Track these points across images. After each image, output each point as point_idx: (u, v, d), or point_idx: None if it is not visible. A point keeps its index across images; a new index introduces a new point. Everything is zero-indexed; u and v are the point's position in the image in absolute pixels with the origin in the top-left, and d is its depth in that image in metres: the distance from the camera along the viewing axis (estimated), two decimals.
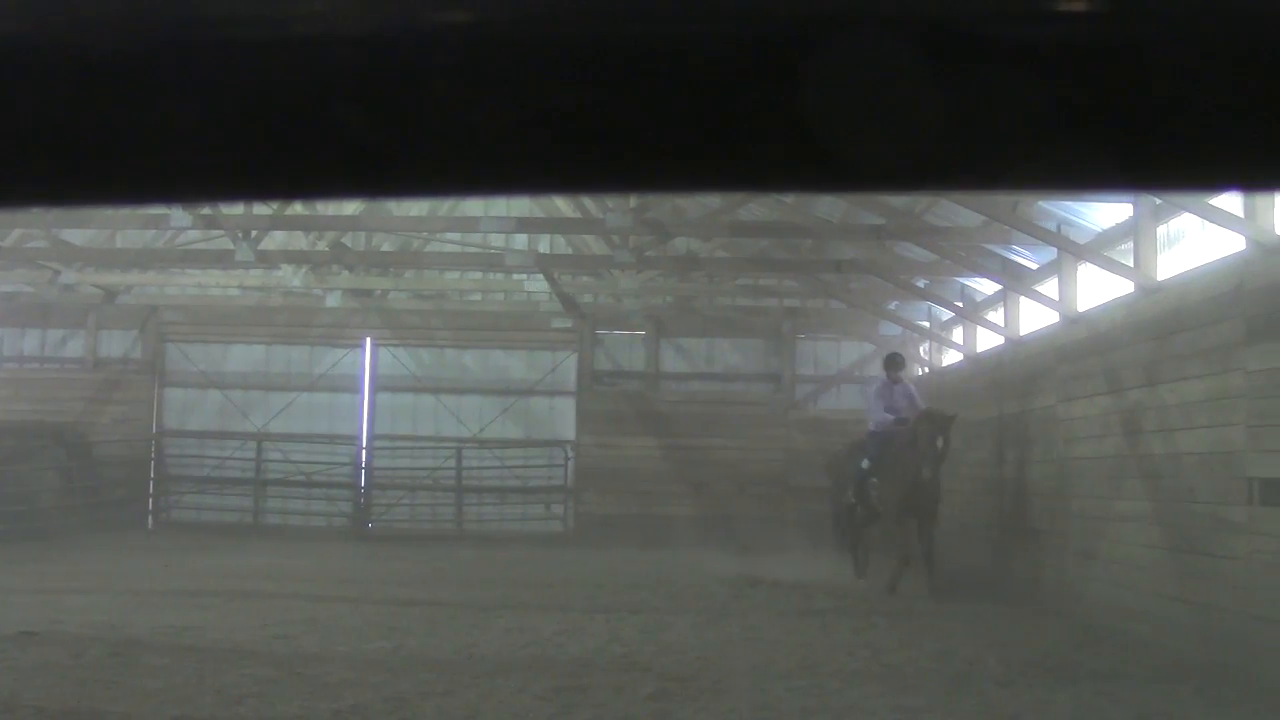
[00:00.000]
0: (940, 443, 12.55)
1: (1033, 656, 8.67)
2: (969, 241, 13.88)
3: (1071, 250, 11.70)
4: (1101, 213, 11.52)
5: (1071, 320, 11.83)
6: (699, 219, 15.75)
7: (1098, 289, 11.53)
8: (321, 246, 18.41)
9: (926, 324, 18.13)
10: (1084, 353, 11.29)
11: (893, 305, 18.49)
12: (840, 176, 0.84)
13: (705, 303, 21.01)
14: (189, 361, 21.43)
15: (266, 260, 17.24)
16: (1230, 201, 8.51)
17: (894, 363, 14.05)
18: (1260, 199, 8.13)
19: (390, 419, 21.40)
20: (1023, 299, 13.85)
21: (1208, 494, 8.61)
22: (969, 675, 7.96)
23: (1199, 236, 9.70)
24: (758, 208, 15.77)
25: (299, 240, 18.75)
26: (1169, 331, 9.41)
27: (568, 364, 21.25)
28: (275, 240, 18.15)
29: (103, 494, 20.70)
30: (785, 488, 20.10)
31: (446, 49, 0.78)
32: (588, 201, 17.46)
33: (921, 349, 18.94)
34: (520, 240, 19.02)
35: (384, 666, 8.01)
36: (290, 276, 18.41)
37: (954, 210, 13.62)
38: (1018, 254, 13.79)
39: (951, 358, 17.50)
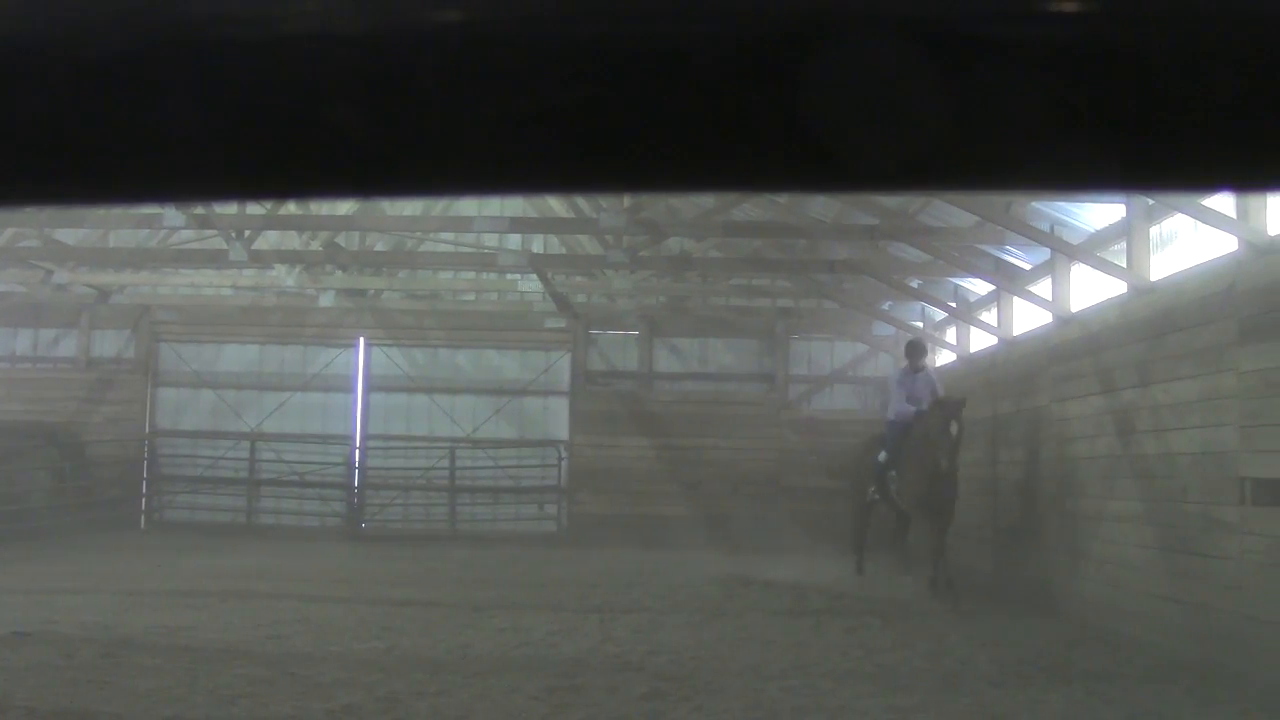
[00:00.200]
0: (954, 429, 11.97)
1: (1025, 656, 8.68)
2: (962, 242, 13.87)
3: (1065, 251, 11.71)
4: (1094, 213, 11.54)
5: (1064, 320, 11.85)
6: (692, 219, 15.74)
7: (1091, 289, 11.55)
8: (315, 246, 18.40)
9: (920, 324, 18.15)
10: (1077, 353, 11.30)
11: (886, 305, 18.51)
12: (839, 177, 0.84)
13: (699, 303, 20.99)
14: (182, 361, 21.40)
15: (260, 260, 17.20)
16: (1223, 202, 8.53)
17: (916, 350, 13.53)
18: (1252, 200, 8.15)
19: (384, 419, 21.38)
20: (1016, 299, 13.86)
21: (1200, 494, 8.63)
22: (961, 675, 7.98)
23: (1191, 237, 9.72)
24: (751, 208, 15.78)
25: (292, 240, 18.74)
26: (1162, 332, 9.43)
27: (561, 364, 21.25)
28: (268, 240, 18.10)
29: (96, 494, 20.67)
30: (779, 488, 20.10)
31: (441, 48, 0.78)
32: (581, 201, 17.45)
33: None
34: (514, 240, 19.04)
35: (377, 666, 8.00)
36: (284, 276, 18.38)
37: (947, 210, 13.63)
38: (1011, 254, 13.80)
39: (945, 358, 17.51)
